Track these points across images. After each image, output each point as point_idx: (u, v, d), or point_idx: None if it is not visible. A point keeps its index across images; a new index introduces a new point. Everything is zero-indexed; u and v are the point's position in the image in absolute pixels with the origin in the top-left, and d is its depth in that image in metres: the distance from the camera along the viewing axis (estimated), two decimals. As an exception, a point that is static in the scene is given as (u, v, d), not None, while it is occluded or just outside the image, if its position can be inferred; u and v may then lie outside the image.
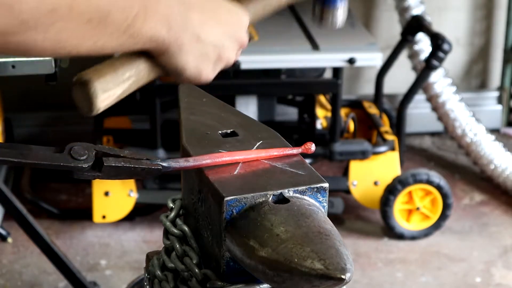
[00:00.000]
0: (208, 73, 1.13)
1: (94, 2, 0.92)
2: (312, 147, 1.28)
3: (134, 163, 1.14)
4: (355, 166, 3.29)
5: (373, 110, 3.60)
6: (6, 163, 1.08)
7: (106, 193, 3.17)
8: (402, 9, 3.75)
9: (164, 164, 1.16)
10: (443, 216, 3.29)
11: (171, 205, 1.30)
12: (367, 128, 3.58)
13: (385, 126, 3.49)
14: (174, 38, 1.05)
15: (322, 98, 3.60)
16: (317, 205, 1.15)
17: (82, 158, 1.11)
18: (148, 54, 1.08)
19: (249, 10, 1.21)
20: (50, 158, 1.09)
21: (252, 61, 3.06)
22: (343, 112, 3.49)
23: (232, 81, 3.12)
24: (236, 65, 3.01)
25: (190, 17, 1.07)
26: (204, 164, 1.19)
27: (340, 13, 1.34)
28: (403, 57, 3.74)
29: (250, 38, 3.43)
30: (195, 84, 1.16)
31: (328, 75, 3.53)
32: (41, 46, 0.91)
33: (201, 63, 1.11)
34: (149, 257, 1.35)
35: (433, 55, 3.33)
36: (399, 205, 3.26)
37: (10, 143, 1.10)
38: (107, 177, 1.13)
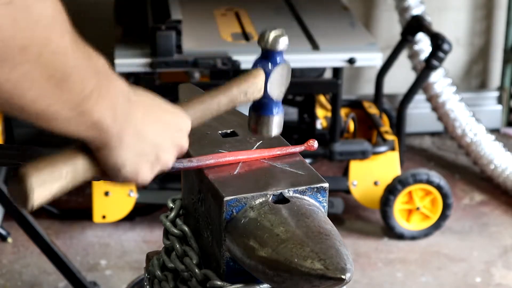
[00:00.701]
0: (146, 174, 1.10)
1: (60, 59, 0.92)
2: (315, 144, 1.28)
3: None
4: (355, 166, 3.29)
5: (373, 110, 3.60)
6: (13, 166, 1.08)
7: (106, 193, 3.17)
8: (402, 9, 3.75)
9: None
10: (443, 216, 3.29)
11: (171, 205, 1.30)
12: (367, 128, 3.58)
13: (385, 126, 3.48)
14: (116, 130, 1.03)
15: (322, 98, 3.60)
16: (317, 205, 1.15)
17: None
18: (87, 151, 1.06)
19: (189, 115, 1.18)
20: None
21: (252, 61, 3.06)
22: (343, 112, 3.49)
23: (232, 81, 3.11)
24: (236, 65, 3.01)
25: (134, 112, 1.06)
26: (208, 164, 1.19)
27: (277, 122, 1.27)
28: (403, 57, 3.74)
29: (249, 39, 3.42)
30: (131, 184, 1.12)
31: (328, 75, 3.53)
32: (2, 87, 0.90)
33: (139, 162, 1.08)
34: (149, 257, 1.35)
35: (433, 55, 3.33)
36: (399, 205, 3.26)
37: (16, 145, 1.10)
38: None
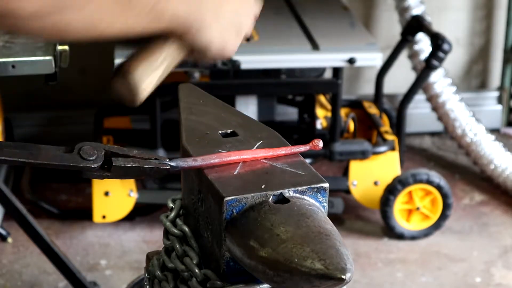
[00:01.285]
0: (233, 45, 1.16)
1: None
2: (320, 143, 1.27)
3: (142, 163, 1.14)
4: (355, 166, 3.29)
5: (373, 110, 3.60)
6: (17, 164, 1.08)
7: (106, 193, 3.17)
8: (402, 9, 3.75)
9: (172, 163, 1.16)
10: (443, 216, 3.29)
11: (171, 205, 1.30)
12: (367, 128, 3.58)
13: (385, 126, 3.49)
14: (194, 15, 1.08)
15: (322, 98, 3.60)
16: (317, 205, 1.15)
17: (91, 158, 1.11)
18: (174, 35, 1.11)
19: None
20: (60, 158, 1.10)
21: (252, 61, 3.06)
22: (343, 112, 3.49)
23: (232, 81, 3.12)
24: (236, 65, 3.01)
25: None
26: (213, 164, 1.18)
27: None
28: (403, 57, 3.74)
29: (249, 38, 3.42)
30: (221, 58, 1.18)
31: (328, 75, 3.53)
32: (75, 27, 0.94)
33: (224, 36, 1.13)
34: (149, 257, 1.35)
35: (433, 55, 3.33)
36: (399, 205, 3.26)
37: (19, 142, 1.10)
38: (115, 177, 1.13)
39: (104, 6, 0.94)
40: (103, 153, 1.12)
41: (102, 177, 1.13)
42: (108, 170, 1.12)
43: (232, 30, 1.15)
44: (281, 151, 1.24)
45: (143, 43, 1.13)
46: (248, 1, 1.19)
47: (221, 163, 1.19)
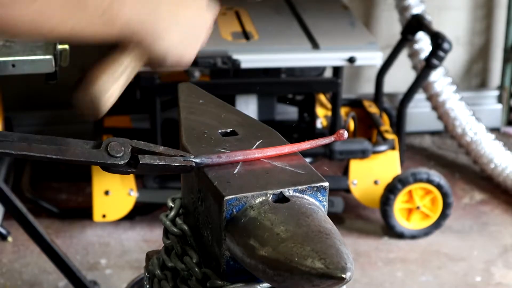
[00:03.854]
0: (191, 53, 1.16)
1: None
2: (345, 134, 1.27)
3: (168, 160, 1.15)
4: (355, 165, 3.29)
5: (373, 109, 3.60)
6: (45, 160, 1.09)
7: (106, 192, 3.16)
8: (402, 8, 3.75)
9: (197, 160, 1.17)
10: (443, 215, 3.29)
11: (171, 204, 1.30)
12: (367, 127, 3.58)
13: (385, 125, 3.49)
14: (150, 23, 1.06)
15: (322, 97, 3.60)
16: (317, 204, 1.15)
17: (118, 155, 1.12)
18: (131, 43, 1.10)
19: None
20: (87, 154, 1.11)
21: (252, 60, 3.06)
22: (343, 111, 3.49)
23: (232, 80, 3.12)
24: (236, 64, 3.01)
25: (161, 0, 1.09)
26: (237, 160, 1.19)
27: None
28: (403, 56, 3.74)
29: (250, 38, 3.41)
30: (178, 67, 1.17)
31: (328, 74, 3.53)
32: (24, 22, 0.92)
33: (182, 44, 1.13)
34: (149, 256, 1.35)
35: (433, 54, 3.33)
36: (399, 204, 3.26)
37: (48, 136, 1.11)
38: (141, 172, 1.16)
39: (52, 4, 0.92)
40: (130, 150, 1.14)
41: (127, 173, 1.15)
42: (134, 167, 1.13)
43: (189, 38, 1.14)
44: (307, 145, 1.24)
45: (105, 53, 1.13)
46: (202, 11, 1.19)
47: (244, 160, 1.19)
